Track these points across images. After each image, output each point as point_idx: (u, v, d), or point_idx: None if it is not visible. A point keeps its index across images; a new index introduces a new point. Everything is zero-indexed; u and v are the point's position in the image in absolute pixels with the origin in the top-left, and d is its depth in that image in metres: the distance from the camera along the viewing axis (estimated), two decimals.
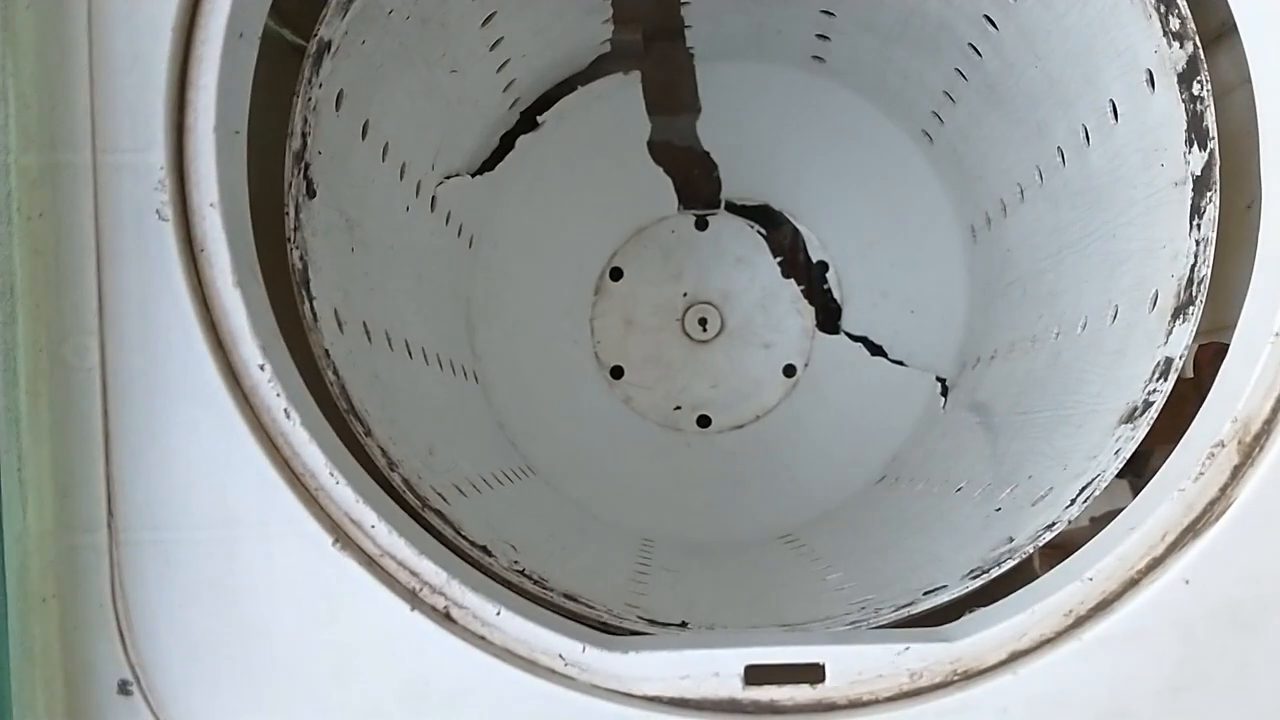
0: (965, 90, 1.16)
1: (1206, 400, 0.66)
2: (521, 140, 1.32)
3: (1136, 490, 0.96)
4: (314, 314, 0.76)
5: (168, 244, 0.62)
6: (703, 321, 1.43)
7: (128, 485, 0.62)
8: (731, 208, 1.44)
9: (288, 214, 0.76)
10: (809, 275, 1.43)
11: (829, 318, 1.42)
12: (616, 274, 1.43)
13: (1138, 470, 0.92)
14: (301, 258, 0.77)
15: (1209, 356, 0.84)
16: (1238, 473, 0.62)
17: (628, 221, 1.43)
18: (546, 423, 1.36)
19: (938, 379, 1.36)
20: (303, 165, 0.78)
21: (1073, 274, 1.02)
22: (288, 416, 0.63)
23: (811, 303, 1.42)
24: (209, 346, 0.62)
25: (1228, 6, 0.70)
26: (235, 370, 0.63)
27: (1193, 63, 0.78)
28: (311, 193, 0.79)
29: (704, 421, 1.41)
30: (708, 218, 1.44)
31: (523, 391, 1.36)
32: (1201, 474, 0.63)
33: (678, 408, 1.41)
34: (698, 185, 1.44)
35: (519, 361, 1.37)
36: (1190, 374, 0.83)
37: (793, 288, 1.43)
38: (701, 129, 1.42)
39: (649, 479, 1.38)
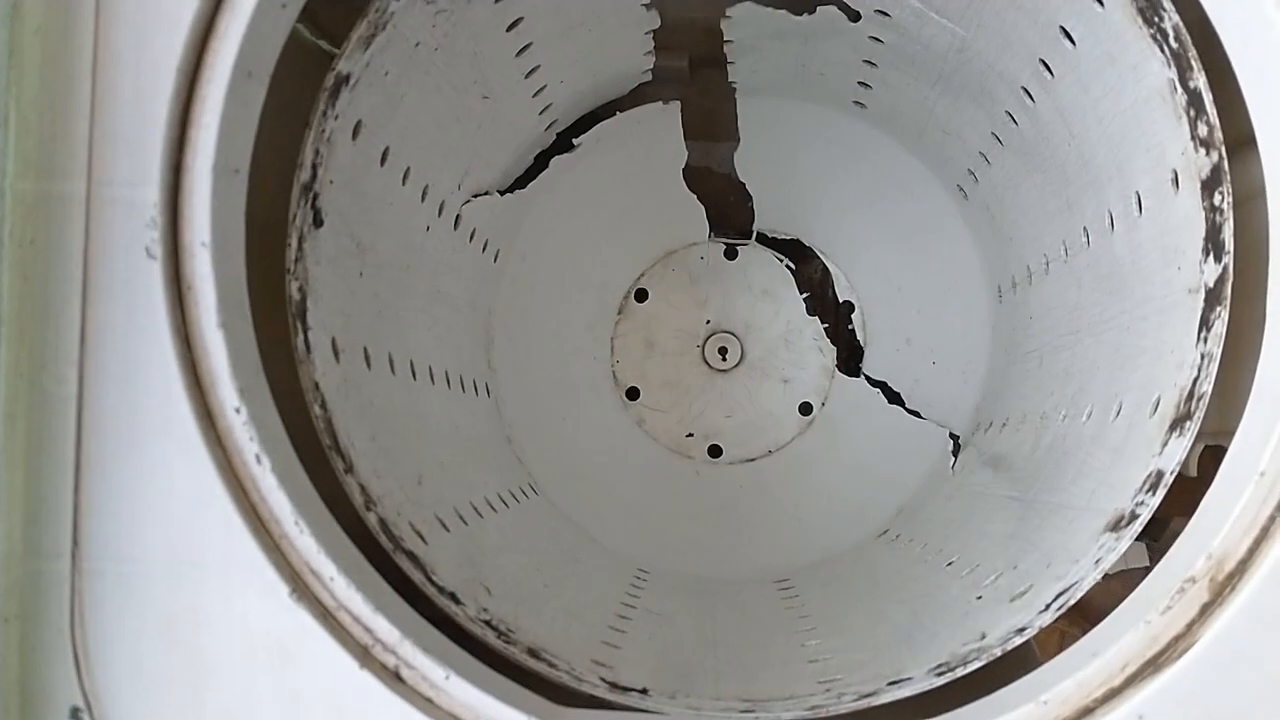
0: (1001, 154, 1.15)
1: (1185, 531, 0.65)
2: (556, 160, 1.32)
3: (1153, 554, 0.96)
4: (307, 345, 0.76)
5: (154, 282, 0.63)
6: (723, 350, 1.42)
7: (94, 515, 0.63)
8: (763, 239, 1.43)
9: (289, 246, 0.76)
10: (835, 314, 1.43)
11: (851, 359, 1.42)
12: (642, 295, 1.43)
13: (1154, 534, 0.91)
14: (300, 289, 0.77)
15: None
16: (1206, 610, 0.61)
17: (658, 244, 1.43)
18: (557, 438, 1.36)
19: (951, 435, 1.34)
20: (310, 196, 0.78)
21: (1087, 357, 1.00)
22: (259, 461, 0.64)
23: (834, 342, 1.41)
24: (186, 386, 0.63)
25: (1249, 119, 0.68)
26: (211, 411, 0.64)
27: (1216, 172, 0.76)
28: (319, 222, 0.79)
29: (715, 451, 1.41)
30: (738, 247, 1.44)
31: (537, 405, 1.36)
32: (1170, 608, 0.61)
33: (690, 434, 1.41)
34: (731, 214, 1.43)
35: (536, 374, 1.37)
36: (1194, 473, 0.82)
37: (816, 325, 1.42)
38: (739, 159, 1.42)
39: (654, 504, 1.38)
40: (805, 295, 1.42)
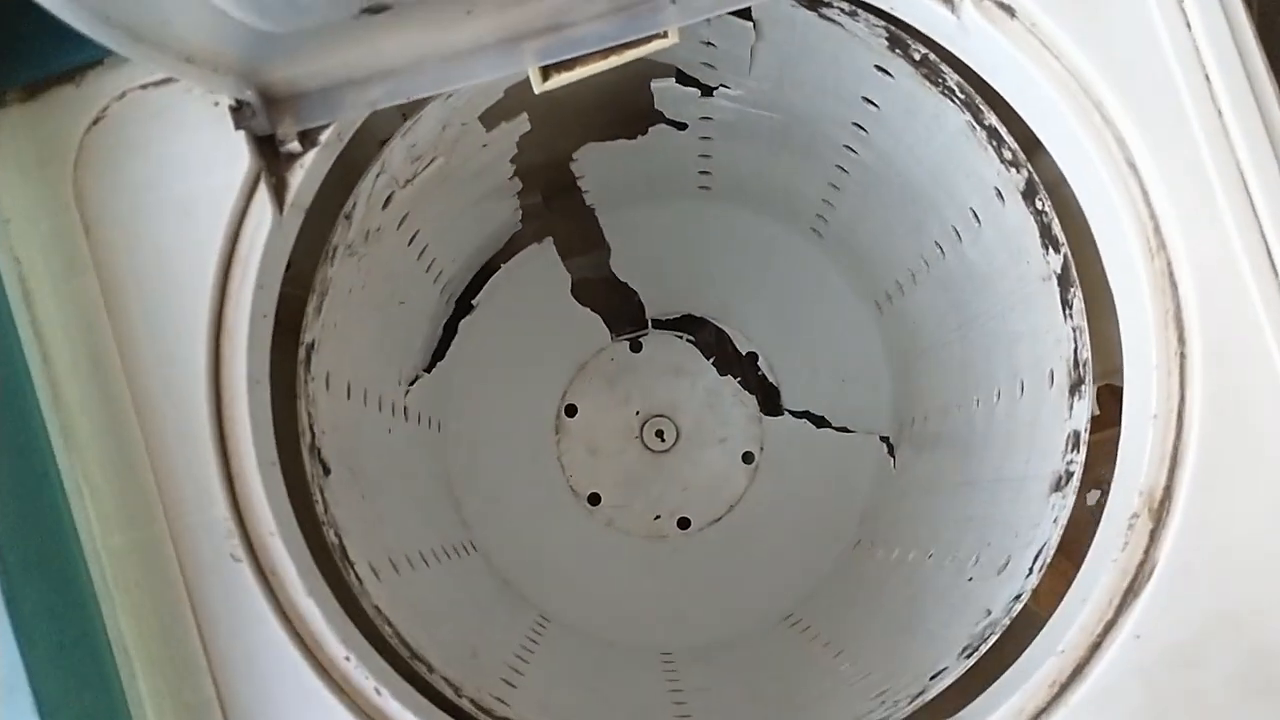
0: (841, 197, 1.30)
1: (1113, 483, 0.80)
2: (462, 324, 1.44)
3: None
4: (359, 578, 0.87)
5: (246, 578, 0.73)
6: (659, 433, 1.53)
7: None
8: (658, 324, 1.55)
9: (316, 501, 0.87)
10: (743, 367, 1.55)
11: (770, 401, 1.53)
12: (571, 410, 1.53)
13: None
14: (336, 534, 0.88)
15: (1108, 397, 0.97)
16: (1154, 536, 0.75)
17: (569, 361, 1.54)
18: (542, 565, 1.46)
19: (882, 438, 1.48)
20: (316, 451, 0.89)
21: (978, 346, 1.15)
22: (379, 694, 0.75)
23: (751, 392, 1.53)
24: (302, 655, 0.73)
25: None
26: (326, 667, 0.74)
27: (1030, 184, 0.91)
28: (327, 471, 0.90)
29: (684, 524, 1.51)
30: (639, 339, 1.55)
31: (514, 542, 1.45)
32: (1127, 544, 0.76)
33: (657, 517, 1.51)
34: (623, 312, 1.55)
35: (503, 515, 1.46)
36: (1096, 411, 0.97)
37: (731, 382, 1.53)
38: (614, 263, 1.54)
39: (648, 591, 1.48)
40: (712, 359, 1.53)
